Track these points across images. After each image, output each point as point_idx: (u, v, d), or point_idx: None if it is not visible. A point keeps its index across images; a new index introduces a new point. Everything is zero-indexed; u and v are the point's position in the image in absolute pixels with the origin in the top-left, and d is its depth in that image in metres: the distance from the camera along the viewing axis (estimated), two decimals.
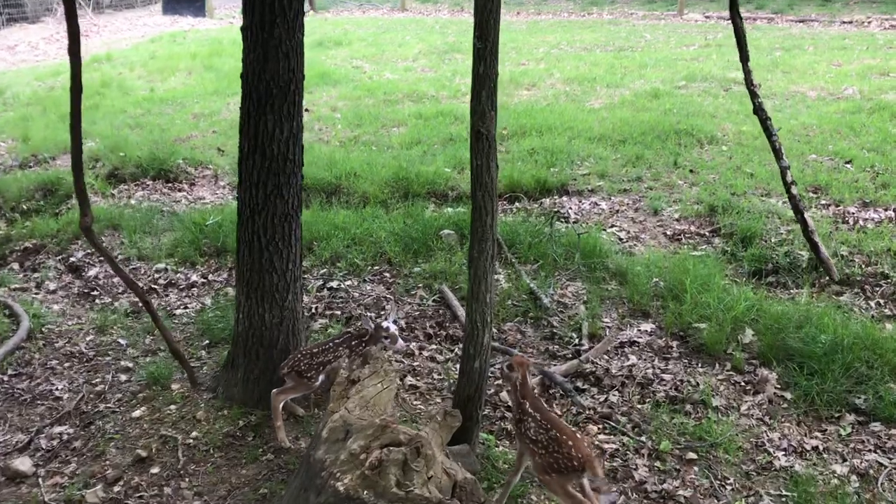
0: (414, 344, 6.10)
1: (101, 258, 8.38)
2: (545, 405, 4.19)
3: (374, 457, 3.43)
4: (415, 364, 5.85)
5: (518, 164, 9.75)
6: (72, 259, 8.30)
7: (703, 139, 10.24)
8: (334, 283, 7.07)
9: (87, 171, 11.19)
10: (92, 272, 7.99)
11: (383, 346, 5.04)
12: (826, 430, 4.99)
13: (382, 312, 6.55)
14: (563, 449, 3.78)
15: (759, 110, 4.37)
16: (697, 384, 5.39)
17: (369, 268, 7.32)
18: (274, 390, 4.93)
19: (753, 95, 4.39)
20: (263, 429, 5.06)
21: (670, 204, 8.46)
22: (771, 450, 4.80)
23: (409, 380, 5.65)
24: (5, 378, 5.79)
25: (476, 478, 4.26)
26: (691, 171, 9.29)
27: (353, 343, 5.04)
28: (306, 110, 13.62)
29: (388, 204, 8.98)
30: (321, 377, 4.97)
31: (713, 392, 5.31)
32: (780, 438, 4.89)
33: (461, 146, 10.58)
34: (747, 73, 4.35)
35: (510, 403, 4.64)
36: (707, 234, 7.86)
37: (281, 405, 4.93)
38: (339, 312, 6.57)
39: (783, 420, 5.07)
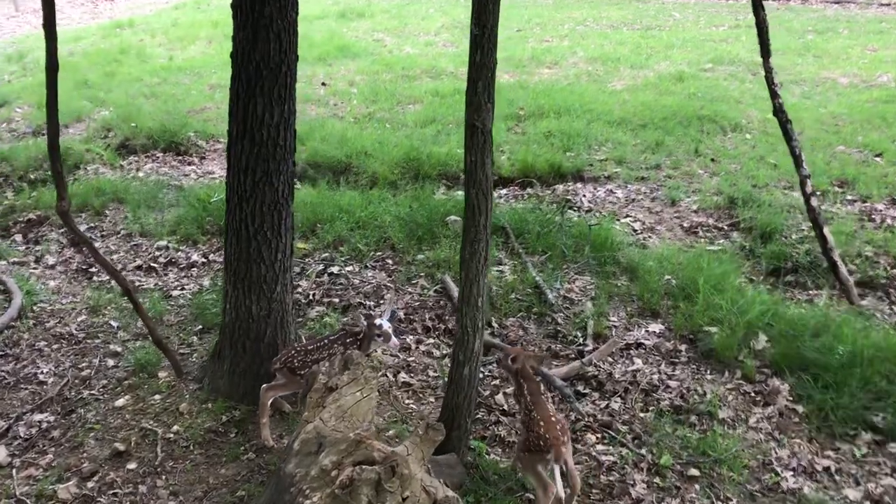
0: (411, 337, 5.86)
1: (104, 233, 8.28)
2: (540, 389, 4.24)
3: (345, 475, 3.21)
4: (410, 359, 5.62)
5: (533, 146, 9.45)
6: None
7: (726, 126, 9.85)
8: (335, 269, 6.85)
9: (99, 141, 11.07)
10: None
11: (377, 344, 4.83)
12: (840, 449, 4.69)
13: (381, 302, 6.33)
14: (535, 429, 3.92)
15: (779, 112, 4.03)
16: (704, 393, 5.11)
17: (372, 253, 7.08)
18: (264, 385, 4.71)
19: (774, 95, 4.06)
20: (247, 425, 4.87)
21: (689, 194, 8.13)
22: (779, 469, 4.52)
23: (403, 376, 5.43)
24: None
25: (460, 493, 4.06)
26: (712, 159, 8.93)
27: (349, 340, 4.80)
28: (323, 84, 13.37)
29: (397, 185, 8.73)
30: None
31: (720, 402, 5.02)
32: (789, 457, 4.60)
33: None
34: (768, 70, 4.01)
35: (513, 395, 4.57)
36: (725, 227, 7.52)
37: (269, 402, 4.71)
38: (336, 300, 6.35)
39: (793, 436, 4.78)
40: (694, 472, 4.47)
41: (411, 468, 3.47)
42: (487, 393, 5.19)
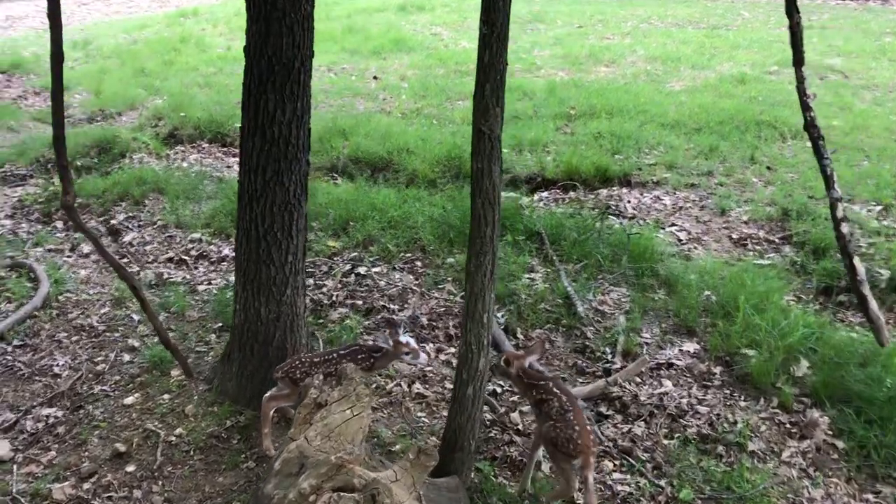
0: (431, 345, 5.65)
1: (141, 223, 8.27)
2: (572, 392, 4.23)
3: (322, 502, 3.01)
4: (427, 369, 5.40)
5: (581, 147, 9.11)
6: (112, 221, 8.16)
7: (786, 133, 9.34)
8: (362, 269, 6.66)
9: (148, 130, 11.12)
10: (128, 237, 7.82)
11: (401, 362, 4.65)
12: (881, 492, 4.29)
13: (405, 306, 6.12)
14: (569, 431, 3.84)
15: (810, 126, 3.66)
16: (735, 422, 4.76)
17: (401, 255, 6.88)
18: (266, 395, 4.52)
19: (805, 108, 3.69)
20: (251, 431, 4.72)
21: (740, 204, 7.70)
22: None
23: (418, 387, 5.21)
24: (9, 349, 5.63)
25: None
26: (769, 167, 8.46)
27: (360, 357, 4.57)
28: (375, 78, 13.23)
29: (436, 184, 8.53)
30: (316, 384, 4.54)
31: (752, 433, 4.67)
32: (823, 498, 4.23)
33: (524, 125, 10.01)
34: (800, 80, 3.66)
35: (529, 401, 4.39)
36: (777, 240, 7.10)
37: (272, 411, 4.52)
38: (360, 302, 6.17)
39: (830, 474, 4.40)
40: None
41: (397, 496, 3.25)
42: (503, 410, 4.93)
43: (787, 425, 4.77)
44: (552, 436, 3.90)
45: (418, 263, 6.76)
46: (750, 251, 6.96)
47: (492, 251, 3.61)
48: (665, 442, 4.66)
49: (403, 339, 4.49)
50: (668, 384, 5.15)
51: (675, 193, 8.07)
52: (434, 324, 5.91)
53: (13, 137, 10.56)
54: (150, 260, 7.36)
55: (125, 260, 7.30)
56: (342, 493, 3.03)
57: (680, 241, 7.16)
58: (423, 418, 4.94)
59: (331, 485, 3.12)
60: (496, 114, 3.42)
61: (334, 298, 6.24)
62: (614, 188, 8.28)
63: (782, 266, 6.57)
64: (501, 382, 5.28)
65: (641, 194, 8.13)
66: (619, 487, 4.30)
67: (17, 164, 9.54)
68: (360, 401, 3.55)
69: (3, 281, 6.59)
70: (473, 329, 3.74)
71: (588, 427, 3.95)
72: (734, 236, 7.22)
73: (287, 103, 4.36)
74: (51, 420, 4.91)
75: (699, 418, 4.83)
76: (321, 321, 5.93)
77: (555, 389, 4.07)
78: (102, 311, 6.23)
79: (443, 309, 6.09)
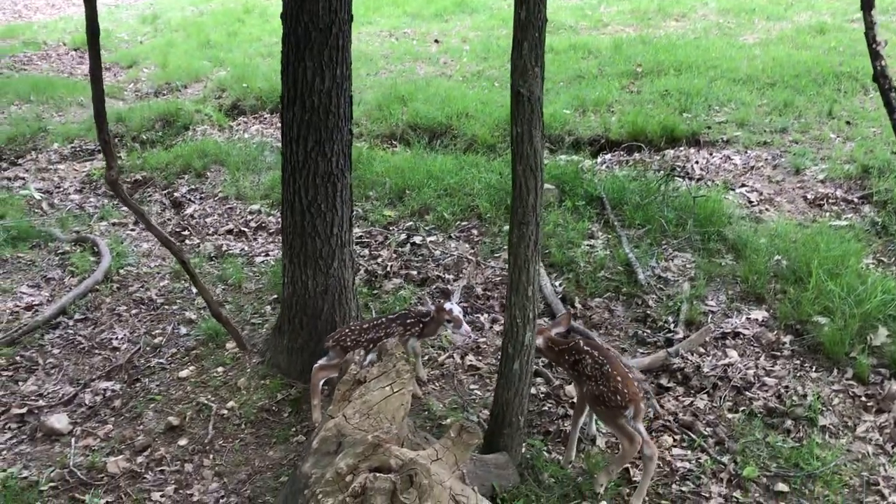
0: (486, 315, 5.51)
1: (202, 195, 8.32)
2: (603, 346, 4.08)
3: (357, 482, 2.92)
4: (481, 340, 5.27)
5: (647, 107, 8.76)
6: (175, 194, 8.24)
7: (868, 85, 8.74)
8: (417, 239, 6.54)
9: (212, 102, 11.19)
10: (189, 210, 7.89)
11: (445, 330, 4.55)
12: None
13: (460, 276, 5.99)
14: (611, 384, 3.72)
15: (880, 77, 3.32)
16: (805, 394, 4.49)
17: (457, 223, 6.74)
18: (315, 364, 4.48)
19: (875, 56, 3.35)
20: (301, 404, 4.69)
21: (816, 161, 7.27)
22: (886, 491, 3.88)
23: (471, 359, 5.09)
24: (71, 322, 5.73)
25: (509, 496, 3.72)
26: (848, 122, 7.95)
27: (409, 322, 4.50)
28: (436, 41, 13.01)
29: (495, 149, 8.32)
30: (370, 356, 4.47)
31: (824, 406, 4.40)
32: None
33: (587, 85, 9.68)
34: (869, 24, 3.31)
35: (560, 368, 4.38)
36: (856, 200, 6.68)
37: (321, 382, 4.47)
38: (415, 272, 6.06)
39: None
40: (782, 486, 3.92)
41: (438, 475, 3.14)
42: (557, 383, 4.77)
43: (863, 398, 4.48)
44: (596, 394, 3.77)
45: (474, 232, 6.61)
46: (826, 212, 6.57)
47: (535, 221, 3.43)
48: (729, 416, 4.43)
49: (448, 305, 4.40)
50: (733, 354, 4.89)
51: (746, 152, 7.68)
52: (489, 293, 5.76)
53: (83, 113, 10.76)
54: (210, 232, 7.40)
55: (186, 232, 7.37)
56: (378, 474, 2.93)
57: (750, 202, 6.81)
58: (475, 391, 4.82)
59: (367, 464, 3.03)
60: (535, 74, 3.22)
61: (389, 269, 6.14)
62: (681, 148, 7.93)
63: (861, 227, 6.18)
64: None
65: (710, 154, 7.77)
66: (679, 464, 4.11)
67: (86, 140, 9.70)
68: (401, 377, 3.44)
69: (68, 255, 6.71)
70: (518, 302, 3.58)
71: (630, 375, 3.78)
72: (809, 196, 6.82)
73: (326, 70, 4.24)
74: (108, 393, 4.97)
75: (766, 391, 4.58)
76: (375, 292, 5.85)
77: (585, 347, 3.95)
78: (162, 284, 6.29)
79: (498, 278, 5.93)
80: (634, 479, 3.98)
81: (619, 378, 3.72)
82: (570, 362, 3.99)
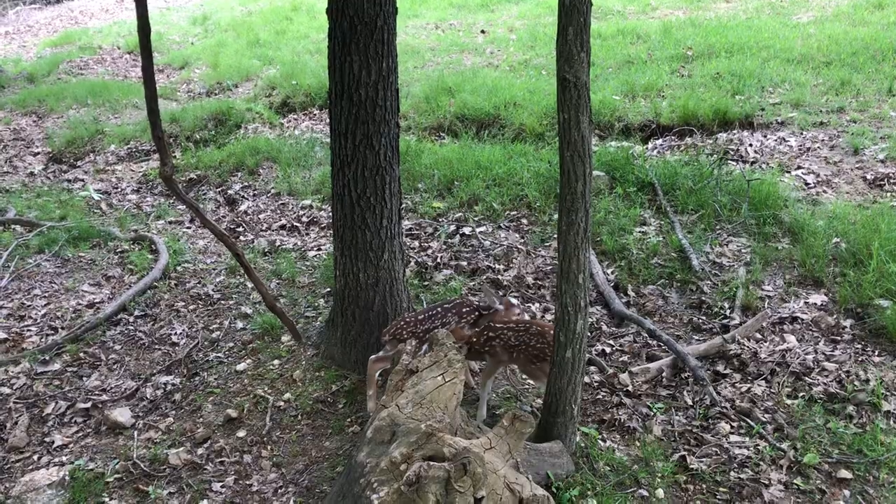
0: (536, 305, 5.49)
1: (255, 192, 8.45)
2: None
3: (412, 471, 2.94)
4: None
5: (699, 90, 8.62)
6: (229, 192, 8.39)
7: None
8: (467, 230, 6.55)
9: (262, 100, 11.35)
10: (243, 206, 8.02)
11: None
12: None
13: (511, 265, 5.98)
14: (547, 337, 4.04)
15: None
16: (868, 379, 4.38)
17: (507, 213, 6.72)
18: (372, 356, 4.53)
19: None
20: (356, 395, 4.73)
21: (876, 141, 7.07)
22: None
23: None
24: (131, 319, 5.87)
25: (564, 485, 3.71)
26: None
27: (465, 310, 4.53)
28: (482, 31, 12.98)
29: (544, 137, 8.28)
30: (424, 346, 4.50)
31: (887, 391, 4.29)
32: None
33: (637, 70, 9.56)
34: None
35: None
36: None
37: (377, 373, 4.52)
38: (465, 263, 6.07)
39: None
40: (845, 474, 3.83)
41: (492, 464, 3.16)
42: (611, 371, 4.73)
43: None
44: (534, 353, 4.10)
45: (524, 221, 6.59)
46: (887, 192, 6.39)
47: (584, 208, 3.40)
48: (788, 402, 4.34)
49: (515, 301, 4.55)
50: (791, 340, 4.79)
51: (801, 134, 7.51)
52: (540, 283, 5.74)
53: (138, 114, 11.00)
54: (263, 228, 7.51)
55: (240, 229, 7.49)
56: (432, 463, 2.95)
57: (807, 184, 6.66)
58: (528, 380, 4.80)
59: (421, 453, 3.06)
60: (581, 59, 3.19)
61: (439, 260, 6.16)
62: (734, 131, 7.79)
63: None
64: (611, 342, 5.08)
65: (764, 136, 7.61)
66: (737, 451, 4.04)
67: (142, 141, 9.93)
68: (452, 367, 3.46)
69: (127, 254, 6.87)
70: (569, 290, 3.56)
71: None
72: (868, 177, 6.64)
73: (372, 64, 4.26)
74: (168, 387, 5.08)
75: (826, 376, 4.48)
76: (426, 283, 5.87)
77: (497, 325, 4.22)
78: (218, 280, 6.40)
79: (549, 267, 5.90)
80: (692, 465, 3.93)
81: (549, 330, 4.01)
82: (490, 344, 4.20)
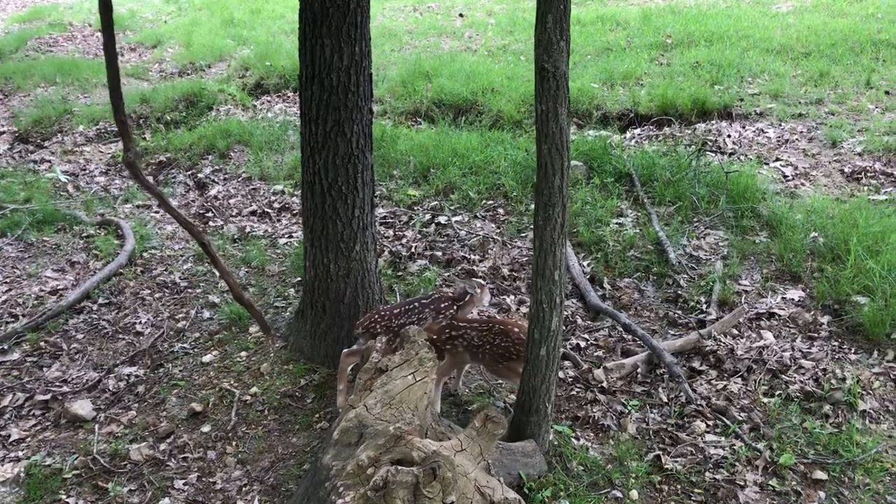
0: (511, 297, 5.39)
1: (226, 176, 8.26)
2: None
3: (379, 476, 2.83)
4: None
5: (678, 79, 8.54)
6: (199, 175, 8.19)
7: None
8: (443, 219, 6.43)
9: (236, 81, 11.12)
10: (213, 191, 7.83)
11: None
12: None
13: (486, 256, 5.87)
14: (512, 336, 3.98)
15: None
16: (844, 378, 4.33)
17: (483, 202, 6.60)
18: (345, 350, 4.39)
19: None
20: (325, 390, 4.61)
21: (854, 134, 7.03)
22: None
23: None
24: (95, 307, 5.69)
25: (537, 485, 3.62)
26: (887, 92, 7.68)
27: (444, 306, 4.40)
28: (461, 15, 12.81)
29: (522, 125, 8.16)
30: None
31: (864, 390, 4.24)
32: None
33: (616, 57, 9.46)
34: None
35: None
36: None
37: (349, 367, 4.39)
38: (440, 254, 5.95)
39: None
40: (820, 474, 3.78)
41: (462, 467, 3.05)
42: (586, 366, 4.65)
43: None
44: (500, 351, 4.00)
45: (500, 211, 6.47)
46: (864, 186, 6.35)
47: (561, 202, 3.29)
48: (764, 400, 4.28)
49: (486, 284, 4.59)
50: (768, 336, 4.73)
51: (780, 125, 7.45)
52: (516, 275, 5.64)
53: (108, 94, 10.72)
54: (233, 213, 7.34)
55: (210, 214, 7.31)
56: (400, 467, 2.83)
57: (785, 177, 6.60)
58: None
59: (389, 457, 2.95)
60: (561, 48, 3.06)
61: (413, 250, 6.04)
62: (713, 122, 7.72)
63: None
64: (586, 336, 4.99)
65: (743, 127, 7.54)
66: (712, 451, 3.97)
67: (111, 122, 9.65)
68: (423, 365, 3.34)
69: (93, 238, 6.68)
70: (544, 287, 3.45)
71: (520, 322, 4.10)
72: (846, 170, 6.60)
73: (344, 48, 4.11)
74: (132, 379, 4.93)
75: (803, 374, 4.42)
76: (399, 274, 5.75)
77: (460, 323, 4.15)
78: (185, 267, 6.24)
79: (525, 259, 5.80)
80: (667, 465, 3.85)
81: (515, 328, 3.97)
82: (451, 343, 4.10)
